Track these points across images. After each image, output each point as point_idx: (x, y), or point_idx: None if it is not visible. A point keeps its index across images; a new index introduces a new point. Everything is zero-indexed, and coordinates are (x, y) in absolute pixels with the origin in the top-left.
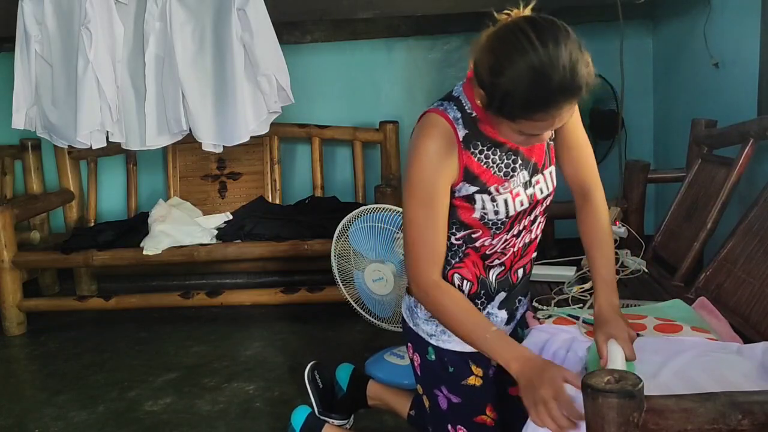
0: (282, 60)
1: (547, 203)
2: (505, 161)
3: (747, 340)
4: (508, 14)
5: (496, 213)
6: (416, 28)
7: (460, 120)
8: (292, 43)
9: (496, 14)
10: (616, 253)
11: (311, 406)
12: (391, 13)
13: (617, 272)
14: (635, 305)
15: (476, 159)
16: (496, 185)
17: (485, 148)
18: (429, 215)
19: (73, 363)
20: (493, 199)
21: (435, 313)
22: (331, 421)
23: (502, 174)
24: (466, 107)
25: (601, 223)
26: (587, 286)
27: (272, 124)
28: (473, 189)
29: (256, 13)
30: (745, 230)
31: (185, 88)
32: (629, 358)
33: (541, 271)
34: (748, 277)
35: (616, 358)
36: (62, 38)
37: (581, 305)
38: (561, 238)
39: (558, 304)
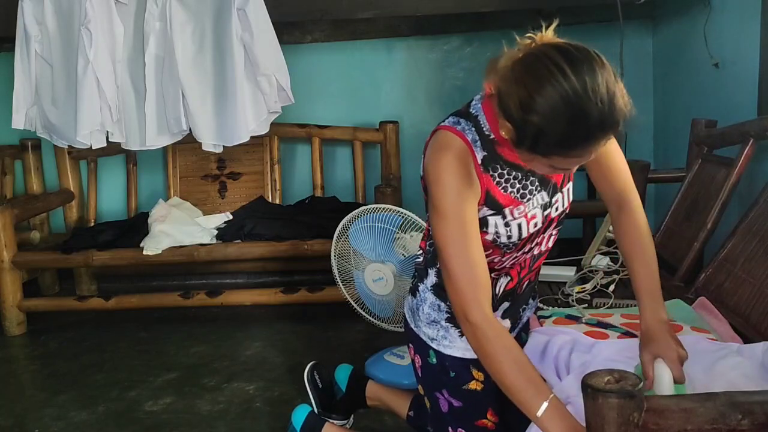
0: (282, 60)
1: (561, 218)
2: (523, 183)
3: (747, 340)
4: (531, 39)
5: (509, 237)
6: (416, 28)
7: (479, 142)
8: (292, 43)
9: (518, 39)
10: (616, 254)
11: (311, 406)
12: (391, 13)
13: (617, 272)
14: (635, 305)
15: (495, 182)
16: (511, 207)
17: (505, 172)
18: (467, 237)
19: (73, 363)
20: (507, 224)
21: (481, 357)
22: (331, 421)
23: (518, 196)
24: (485, 129)
25: (642, 230)
26: (588, 286)
27: (272, 124)
28: (490, 212)
29: (256, 13)
30: (745, 230)
31: (185, 88)
32: (678, 380)
33: (541, 271)
34: (748, 277)
35: (662, 379)
36: (62, 38)
37: (585, 305)
38: (561, 237)
39: (559, 304)
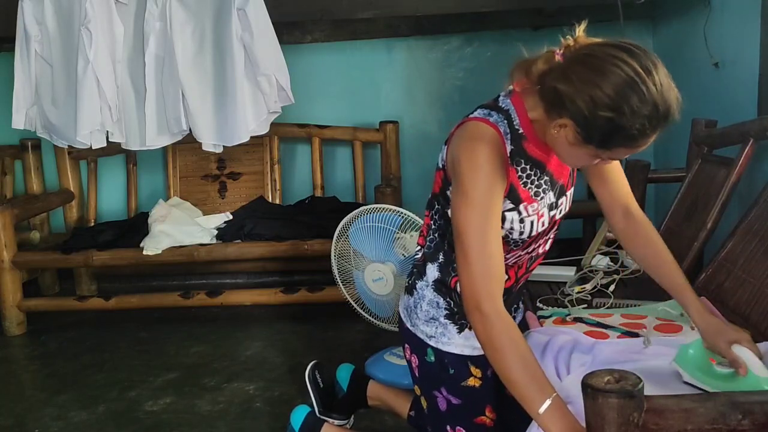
0: (282, 60)
1: (560, 221)
2: (539, 182)
3: None
4: (571, 39)
5: (521, 233)
6: (416, 28)
7: (509, 135)
8: (292, 43)
9: (562, 40)
10: (616, 254)
11: (311, 405)
12: (391, 13)
13: (617, 272)
14: (635, 305)
15: (518, 176)
16: (526, 204)
17: (527, 167)
18: (489, 226)
19: (73, 363)
20: (521, 220)
21: (488, 349)
22: (331, 420)
23: (533, 194)
24: (515, 123)
25: (656, 235)
26: (588, 286)
27: (272, 124)
28: (509, 206)
29: (256, 13)
30: (745, 230)
31: (185, 88)
32: (760, 357)
33: (541, 271)
34: (748, 277)
35: (754, 361)
36: (62, 38)
37: (585, 305)
38: (561, 238)
39: (559, 304)
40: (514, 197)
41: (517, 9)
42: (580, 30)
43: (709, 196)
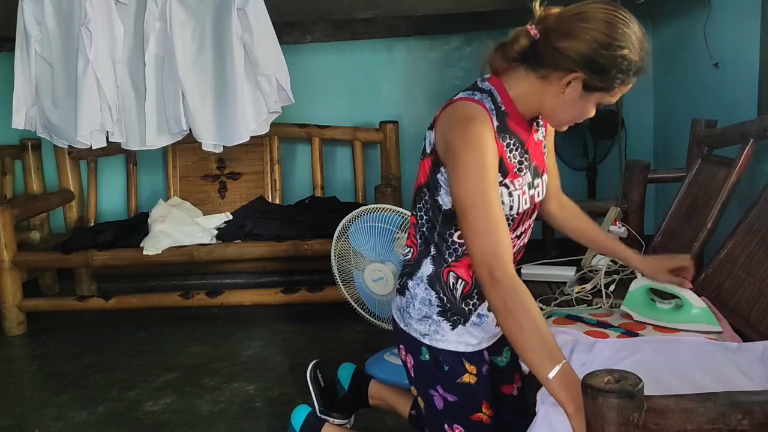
0: (282, 60)
1: (537, 208)
2: (520, 158)
3: (747, 340)
4: (542, 12)
5: (511, 208)
6: (416, 28)
7: (494, 112)
8: (292, 43)
9: (537, 10)
10: None
11: (312, 404)
12: (391, 13)
13: (617, 272)
14: None
15: (505, 150)
16: (511, 179)
17: (511, 143)
18: (490, 196)
19: (73, 363)
20: (510, 194)
21: (501, 314)
22: (331, 420)
23: (517, 169)
24: (498, 101)
25: (582, 213)
26: (588, 286)
27: (272, 124)
28: (499, 179)
29: (256, 13)
30: (745, 230)
31: (185, 88)
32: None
33: (541, 271)
34: (748, 276)
35: (690, 294)
36: (62, 38)
37: (586, 305)
38: (561, 238)
39: (558, 305)
40: (502, 169)
41: (516, 8)
42: (536, 4)
43: (709, 196)
